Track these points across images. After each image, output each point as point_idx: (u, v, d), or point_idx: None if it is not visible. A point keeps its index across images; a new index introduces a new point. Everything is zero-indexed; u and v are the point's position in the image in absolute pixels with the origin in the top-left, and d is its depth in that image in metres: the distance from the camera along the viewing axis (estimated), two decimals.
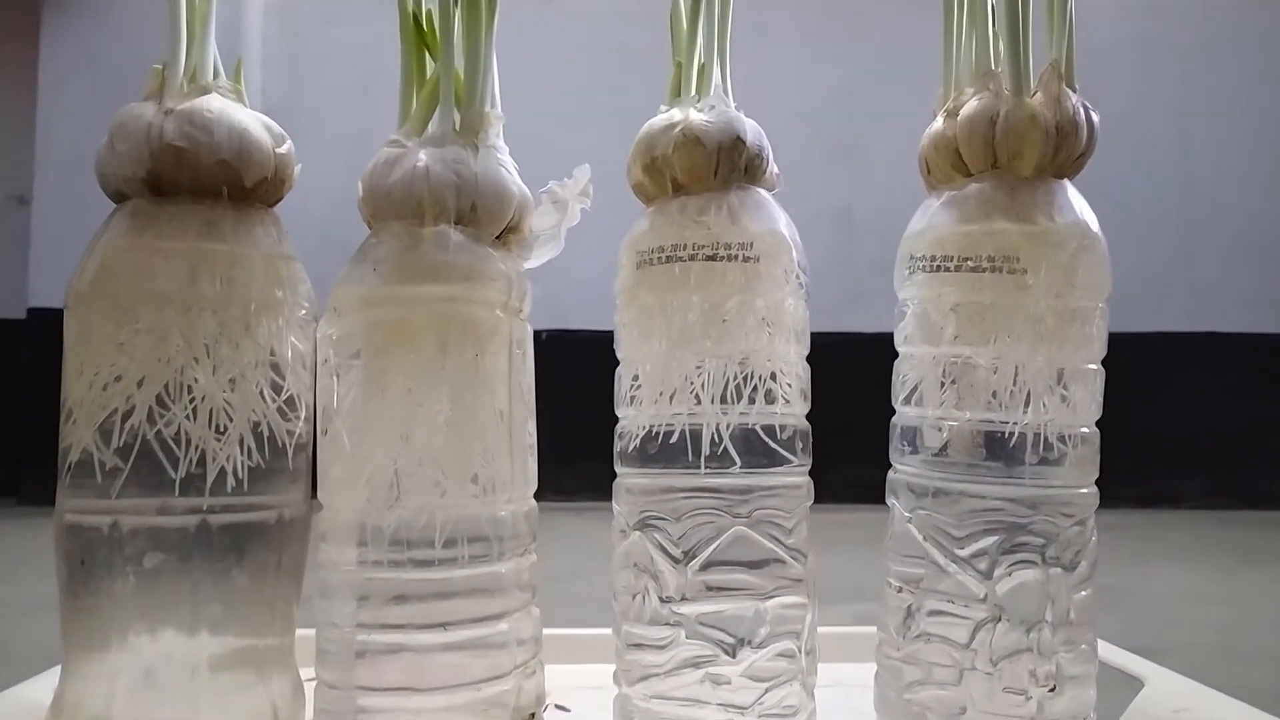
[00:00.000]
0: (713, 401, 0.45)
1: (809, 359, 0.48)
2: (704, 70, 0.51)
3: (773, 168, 0.50)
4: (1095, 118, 0.47)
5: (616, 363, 0.49)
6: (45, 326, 1.74)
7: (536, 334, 0.50)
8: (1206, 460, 1.84)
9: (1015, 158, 0.46)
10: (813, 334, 0.49)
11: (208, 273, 0.44)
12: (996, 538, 0.44)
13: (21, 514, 1.67)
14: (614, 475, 0.48)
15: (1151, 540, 1.44)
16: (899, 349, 0.49)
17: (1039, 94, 0.46)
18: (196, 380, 0.44)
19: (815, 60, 1.89)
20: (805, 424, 0.48)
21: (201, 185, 0.45)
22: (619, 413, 0.49)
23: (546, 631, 0.49)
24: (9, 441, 1.77)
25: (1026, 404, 0.44)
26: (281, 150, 0.47)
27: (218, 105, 0.45)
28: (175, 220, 0.44)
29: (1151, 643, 0.84)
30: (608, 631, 0.50)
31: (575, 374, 1.20)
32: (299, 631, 0.48)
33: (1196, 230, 1.88)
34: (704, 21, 0.51)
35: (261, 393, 0.45)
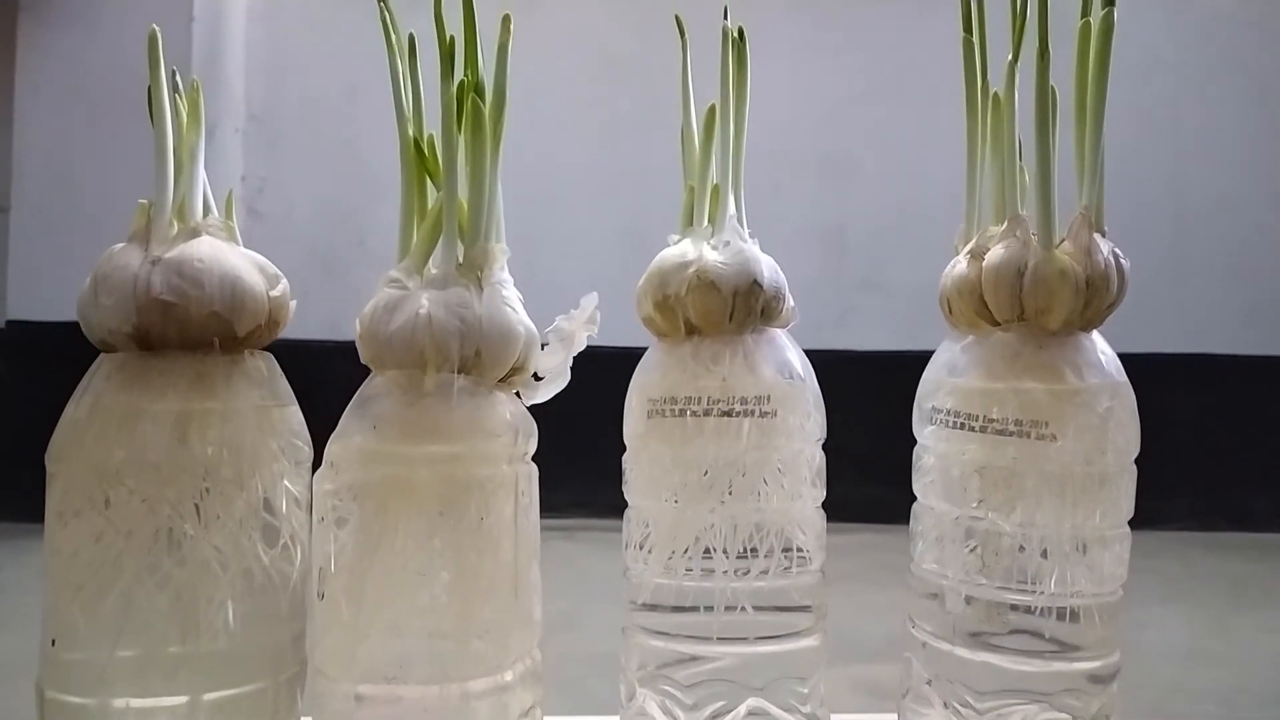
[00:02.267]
0: (726, 558, 0.44)
1: None
2: (717, 194, 0.49)
3: (789, 303, 0.48)
4: (1125, 265, 0.45)
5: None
6: (24, 338, 1.71)
7: None
8: (1194, 481, 1.84)
9: (1043, 312, 0.44)
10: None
11: (198, 435, 0.42)
12: (1019, 715, 0.43)
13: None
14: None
15: (1142, 572, 1.43)
16: (917, 494, 0.47)
17: (1067, 243, 0.44)
18: (187, 535, 0.42)
19: (809, 74, 1.86)
20: (820, 575, 0.46)
21: (191, 338, 0.42)
22: (627, 559, 0.47)
23: None
24: None
25: (1051, 574, 0.42)
26: (275, 293, 0.45)
27: (208, 251, 0.43)
28: (164, 376, 0.42)
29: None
30: None
31: (564, 390, 1.19)
32: None
33: (1187, 251, 1.88)
34: (718, 143, 0.49)
35: (255, 543, 0.44)
